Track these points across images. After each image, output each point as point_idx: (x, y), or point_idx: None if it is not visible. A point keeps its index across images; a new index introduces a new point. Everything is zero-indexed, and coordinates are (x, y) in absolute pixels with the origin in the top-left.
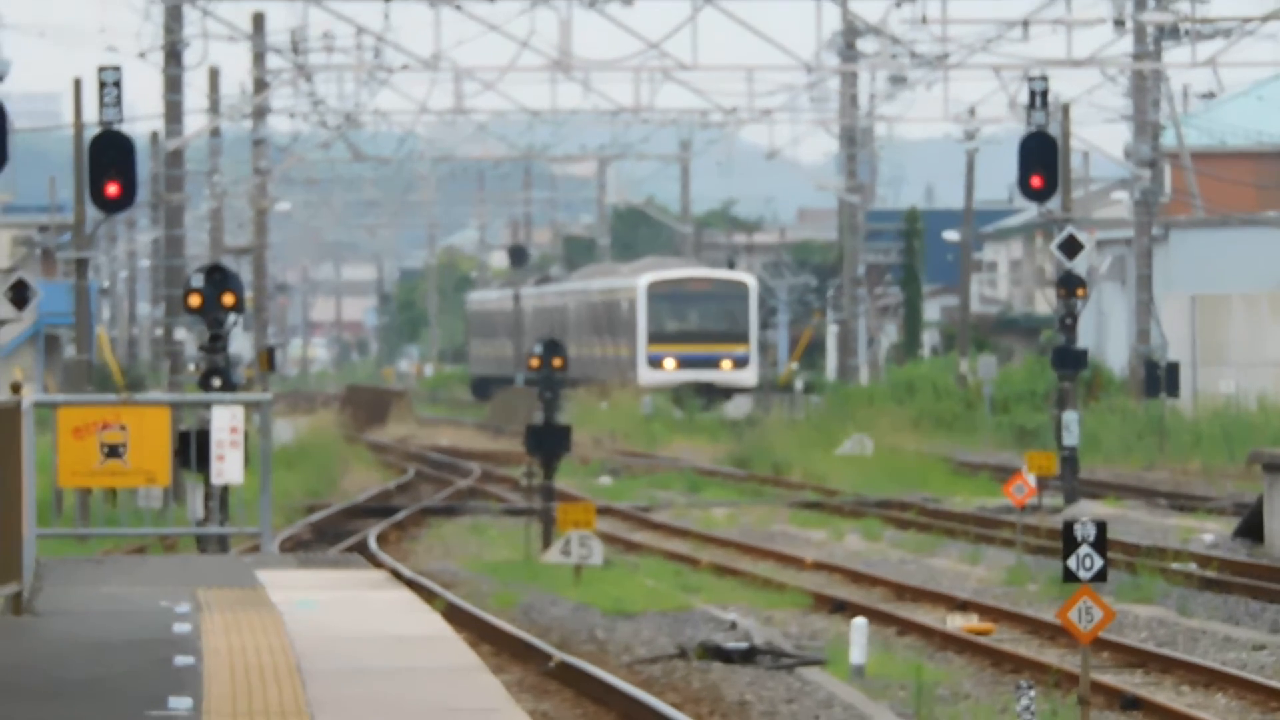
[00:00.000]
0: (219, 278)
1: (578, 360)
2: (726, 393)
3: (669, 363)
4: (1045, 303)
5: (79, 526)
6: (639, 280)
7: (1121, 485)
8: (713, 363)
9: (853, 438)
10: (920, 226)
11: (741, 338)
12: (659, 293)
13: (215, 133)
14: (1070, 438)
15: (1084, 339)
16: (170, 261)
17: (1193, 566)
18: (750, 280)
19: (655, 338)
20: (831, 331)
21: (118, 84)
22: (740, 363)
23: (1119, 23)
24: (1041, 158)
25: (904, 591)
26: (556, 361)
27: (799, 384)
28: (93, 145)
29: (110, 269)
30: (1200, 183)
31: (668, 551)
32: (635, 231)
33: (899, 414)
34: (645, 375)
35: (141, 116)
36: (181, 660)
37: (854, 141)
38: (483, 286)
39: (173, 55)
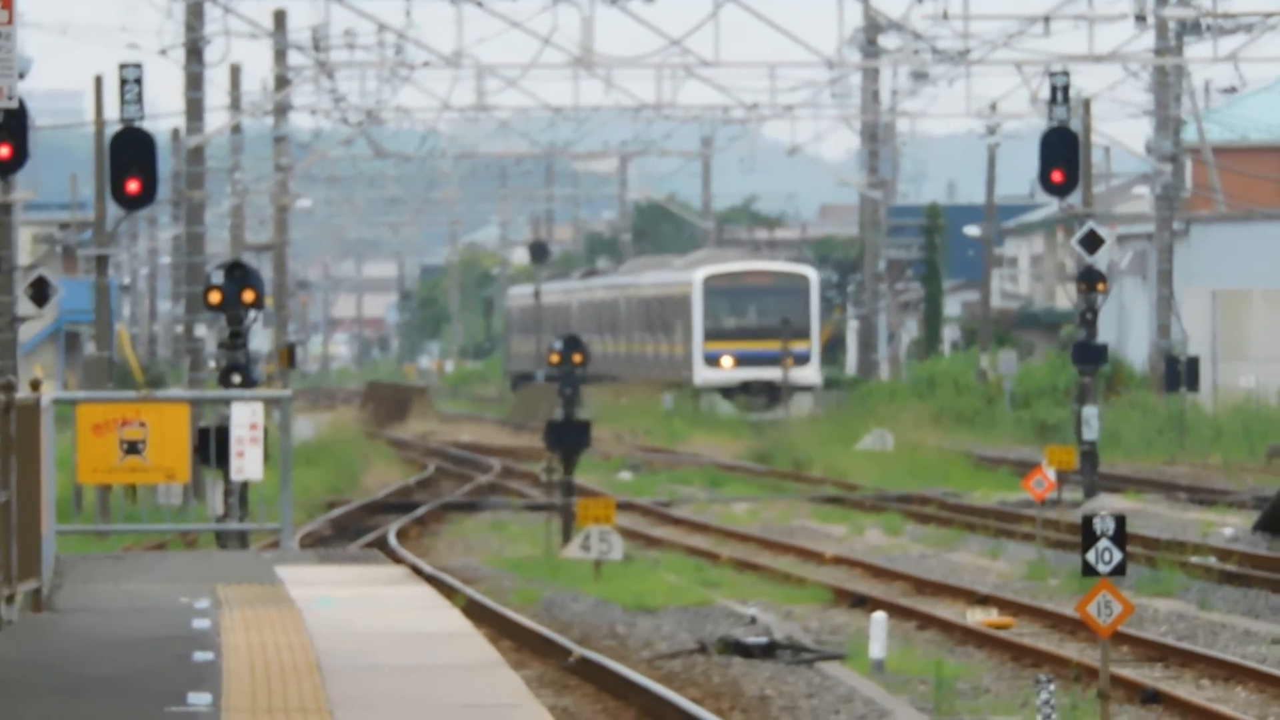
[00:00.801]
0: (239, 275)
1: (629, 359)
2: (789, 392)
3: (726, 360)
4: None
5: (99, 523)
6: (694, 274)
7: (1141, 480)
8: (773, 361)
9: (873, 433)
10: (942, 222)
11: (803, 334)
12: (716, 287)
13: (236, 129)
14: (1090, 432)
15: (1105, 334)
16: (191, 258)
17: (1213, 560)
18: (812, 274)
19: (712, 334)
20: (852, 327)
21: (139, 81)
22: (802, 360)
23: (1140, 18)
24: (1063, 153)
25: (924, 586)
26: (577, 357)
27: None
28: (114, 142)
29: (131, 266)
30: (1222, 177)
31: (688, 547)
32: (657, 228)
33: (920, 409)
34: (701, 374)
35: (163, 114)
36: (201, 656)
37: (876, 137)
38: (506, 283)
39: (194, 52)
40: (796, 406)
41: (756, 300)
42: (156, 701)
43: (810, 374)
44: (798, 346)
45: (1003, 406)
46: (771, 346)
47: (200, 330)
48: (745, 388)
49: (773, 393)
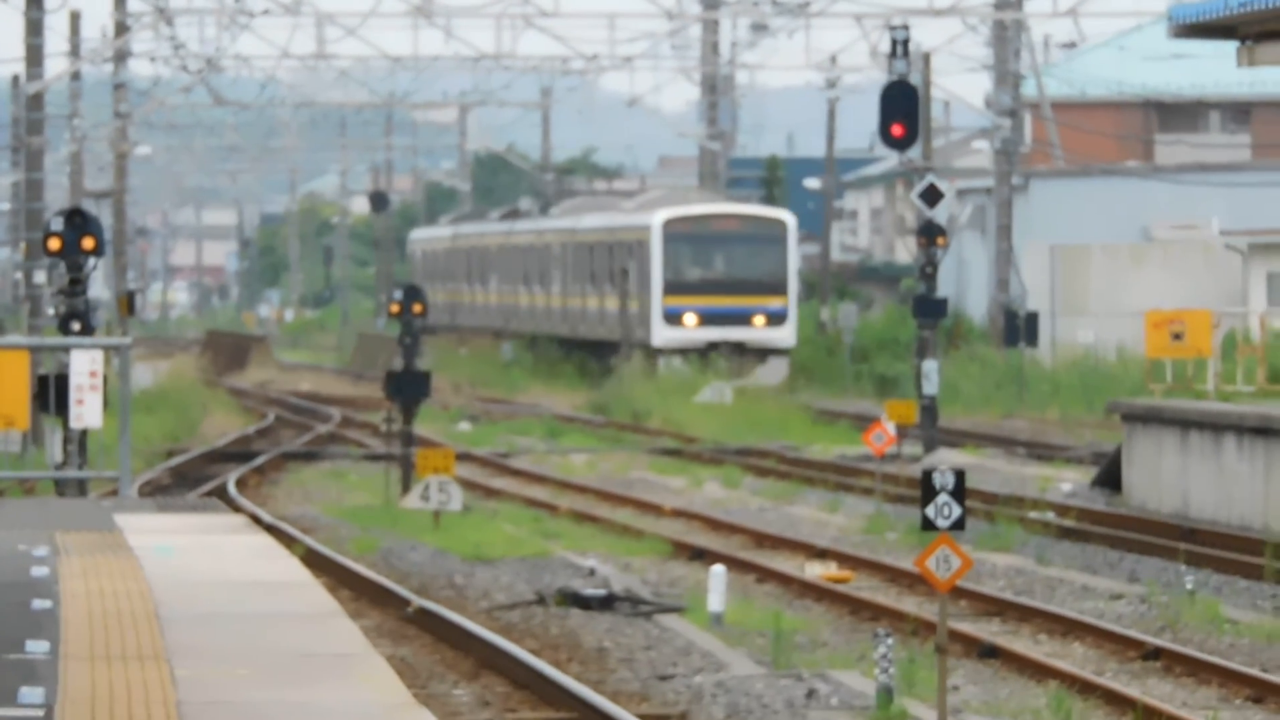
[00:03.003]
0: (79, 221)
1: (566, 315)
2: (760, 354)
3: (689, 319)
4: (906, 251)
5: None
6: (652, 217)
7: (981, 434)
8: (743, 318)
9: (711, 385)
10: (781, 175)
11: (778, 288)
12: (677, 232)
13: (76, 76)
14: (930, 386)
15: (944, 288)
16: (30, 205)
17: (1051, 515)
18: (789, 218)
19: (673, 288)
20: None
21: None
22: (776, 319)
23: None
24: (902, 106)
25: (763, 539)
26: (417, 307)
27: None
28: None
29: None
30: (1061, 133)
31: (527, 498)
32: (496, 178)
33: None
34: (660, 333)
35: (2, 60)
36: (39, 604)
37: (715, 89)
38: (343, 233)
39: None
40: (770, 371)
41: (725, 248)
42: None
43: (786, 335)
44: (773, 303)
45: (842, 359)
46: (742, 302)
47: (39, 277)
48: (711, 349)
49: (744, 355)
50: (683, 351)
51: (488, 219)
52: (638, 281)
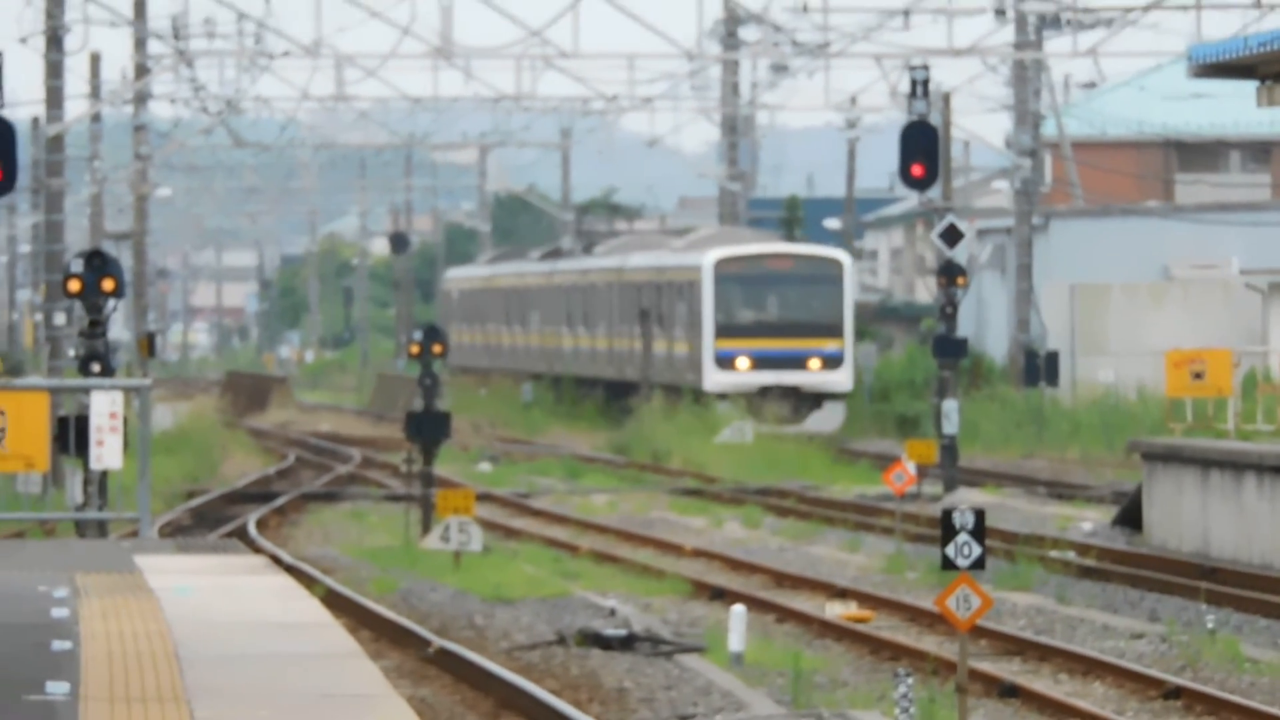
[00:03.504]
0: (99, 263)
1: (612, 357)
2: (815, 399)
3: (742, 362)
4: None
5: None
6: (704, 257)
7: (1001, 473)
8: (798, 362)
9: (732, 425)
10: (801, 214)
11: (834, 330)
12: (729, 273)
13: (96, 118)
14: (950, 426)
15: (964, 328)
16: (50, 247)
17: (1071, 555)
18: (845, 258)
19: (725, 331)
20: None
21: None
22: (832, 362)
23: (1000, 12)
24: (922, 146)
25: (783, 579)
26: (436, 348)
27: None
28: None
29: None
30: (1081, 172)
31: (547, 538)
32: (516, 219)
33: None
34: (712, 378)
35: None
36: (59, 645)
37: (735, 129)
38: (363, 274)
39: (54, 40)
40: (826, 418)
41: (779, 289)
42: (14, 690)
43: (843, 378)
44: (829, 345)
45: (862, 399)
46: (797, 345)
47: (60, 319)
48: (763, 394)
49: (798, 400)
50: (735, 396)
51: (527, 258)
52: (687, 323)
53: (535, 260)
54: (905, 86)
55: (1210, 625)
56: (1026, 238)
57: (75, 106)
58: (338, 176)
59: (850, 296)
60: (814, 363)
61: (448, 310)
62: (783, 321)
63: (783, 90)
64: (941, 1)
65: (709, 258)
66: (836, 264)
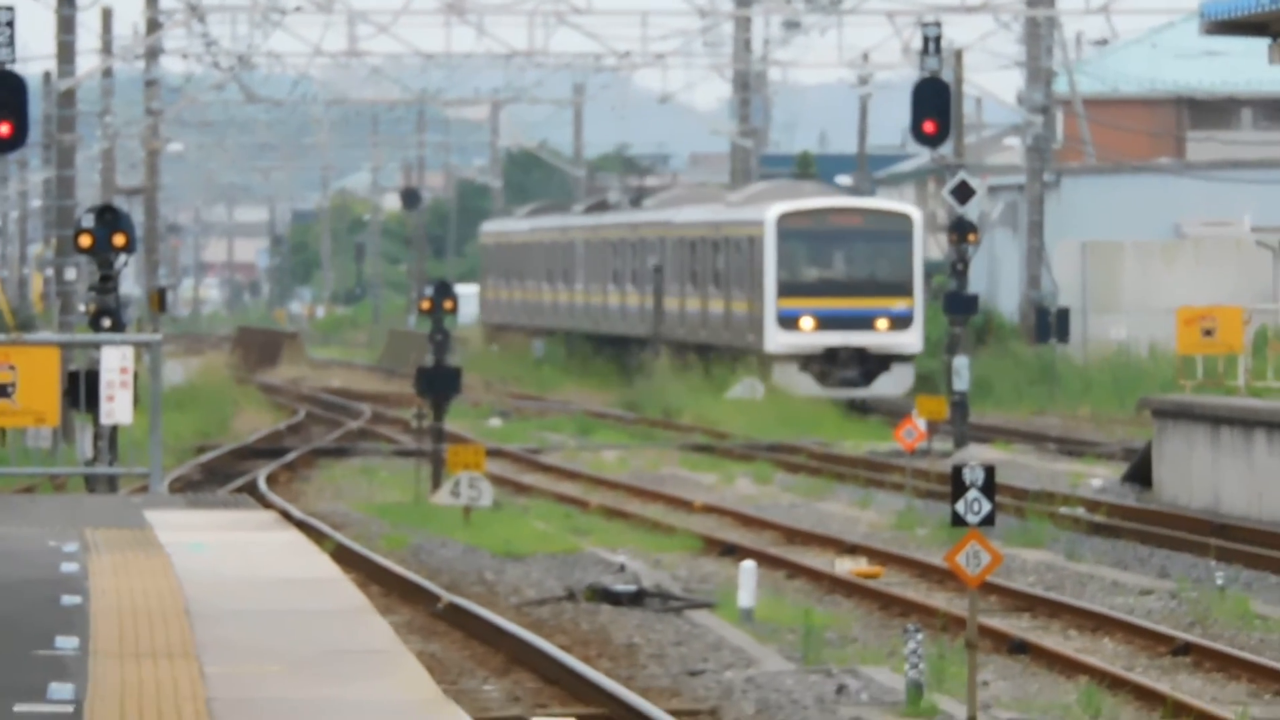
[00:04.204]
0: (110, 218)
1: (666, 317)
2: (883, 361)
3: (806, 322)
4: (937, 248)
5: None
6: (765, 212)
7: (1011, 430)
8: (865, 322)
9: (743, 381)
10: (813, 171)
11: (904, 289)
12: (793, 228)
13: (108, 73)
14: (961, 383)
15: (976, 284)
16: (61, 202)
17: (1081, 511)
18: (914, 213)
19: (788, 289)
20: None
21: (10, 24)
22: (901, 322)
23: None
24: (934, 103)
25: (794, 535)
26: (448, 304)
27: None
28: None
29: (1, 209)
30: (1092, 129)
31: (557, 494)
32: (528, 175)
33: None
34: (774, 338)
35: (34, 57)
36: (69, 600)
37: (747, 86)
38: (375, 230)
39: None
40: (894, 380)
41: (845, 246)
42: (24, 644)
43: (913, 339)
44: (898, 305)
45: None
46: (864, 304)
47: (70, 274)
48: (830, 356)
49: (865, 363)
50: (797, 357)
51: (569, 211)
52: (747, 282)
53: (578, 214)
54: (918, 43)
55: (1220, 582)
56: (1038, 195)
57: (87, 61)
58: (350, 132)
59: (920, 253)
60: (882, 323)
61: (485, 264)
62: (849, 280)
63: (795, 47)
64: None
65: (772, 212)
66: (906, 219)
